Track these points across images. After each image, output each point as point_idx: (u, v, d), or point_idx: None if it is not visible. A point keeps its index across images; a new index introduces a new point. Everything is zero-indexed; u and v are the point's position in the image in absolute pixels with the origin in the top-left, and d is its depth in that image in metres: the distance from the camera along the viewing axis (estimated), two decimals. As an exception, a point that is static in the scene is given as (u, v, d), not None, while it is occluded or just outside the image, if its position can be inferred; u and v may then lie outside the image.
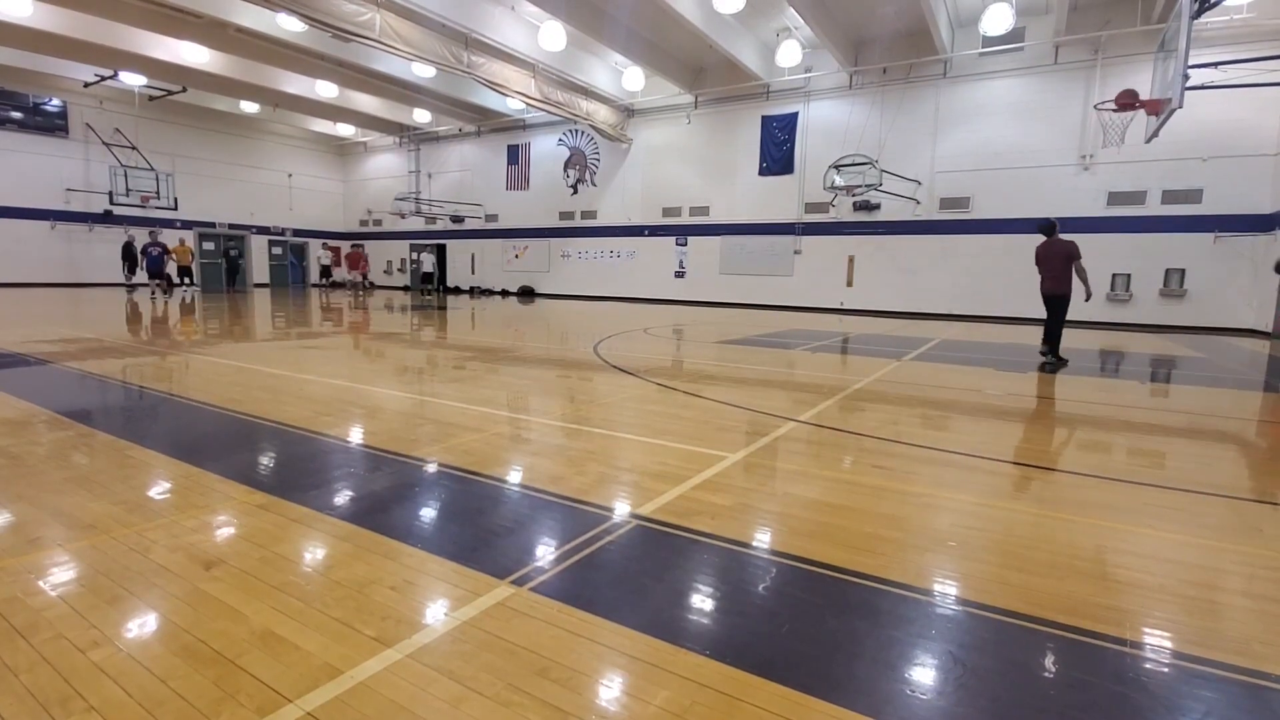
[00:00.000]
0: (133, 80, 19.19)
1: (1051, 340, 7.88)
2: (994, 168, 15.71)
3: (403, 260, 28.00)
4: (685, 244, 20.42)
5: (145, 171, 21.69)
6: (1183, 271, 14.12)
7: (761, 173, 18.80)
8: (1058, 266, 7.77)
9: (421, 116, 23.13)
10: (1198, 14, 7.27)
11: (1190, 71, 7.12)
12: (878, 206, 17.12)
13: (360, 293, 23.33)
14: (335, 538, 2.39)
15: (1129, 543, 2.54)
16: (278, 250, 27.31)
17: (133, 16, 14.13)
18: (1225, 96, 12.05)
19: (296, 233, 27.77)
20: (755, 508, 2.82)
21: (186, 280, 19.28)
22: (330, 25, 12.35)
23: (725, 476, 3.22)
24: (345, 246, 28.68)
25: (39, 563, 2.15)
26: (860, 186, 15.73)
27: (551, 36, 14.96)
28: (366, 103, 21.74)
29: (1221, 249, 13.74)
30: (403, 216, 25.63)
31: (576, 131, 22.12)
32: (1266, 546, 2.54)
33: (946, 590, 2.12)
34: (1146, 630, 1.90)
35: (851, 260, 17.82)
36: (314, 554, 2.27)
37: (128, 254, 18.86)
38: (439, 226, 25.83)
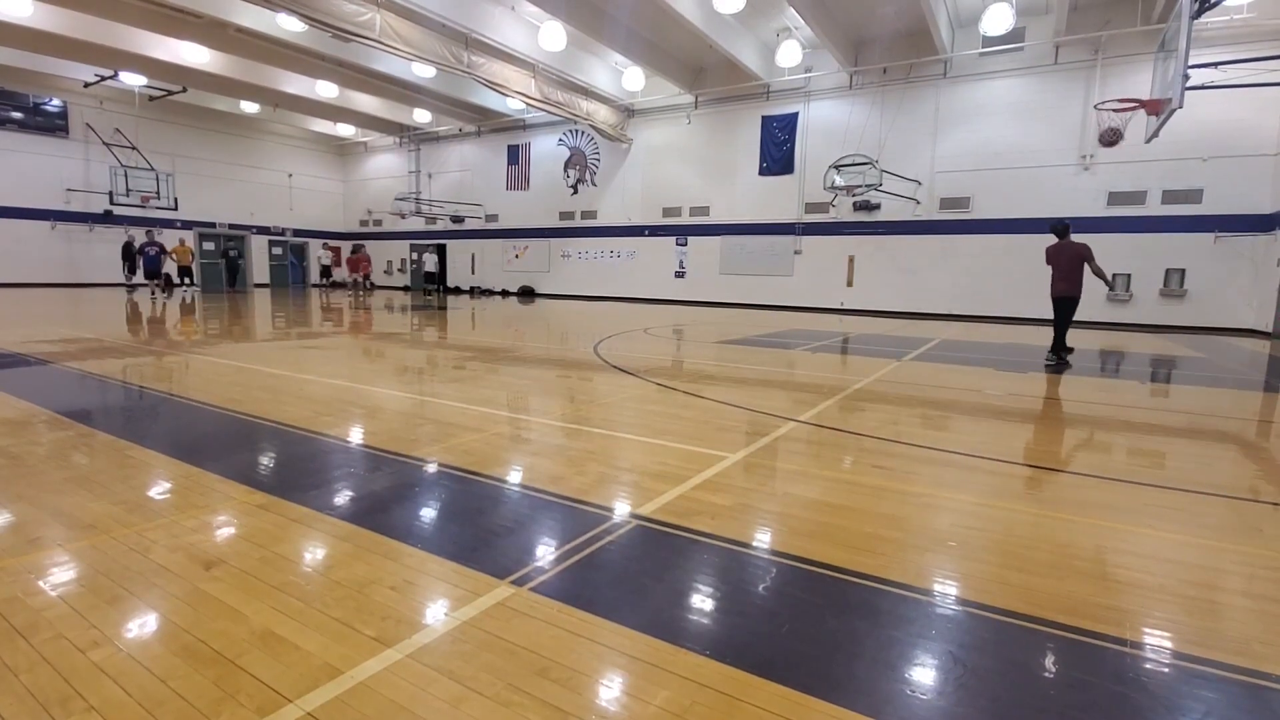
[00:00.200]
0: (133, 80, 19.19)
1: (1057, 337, 7.92)
2: (994, 168, 15.71)
3: (403, 260, 28.00)
4: (685, 244, 20.42)
5: (145, 171, 21.69)
6: (1183, 271, 14.12)
7: (761, 173, 18.80)
8: (1067, 268, 7.79)
9: (421, 116, 23.13)
10: (1198, 14, 7.26)
11: (1190, 71, 7.12)
12: (878, 206, 17.12)
13: (360, 293, 23.33)
14: (335, 538, 2.39)
15: (1129, 543, 2.54)
16: (278, 250, 27.31)
17: (133, 16, 14.13)
18: (1225, 96, 12.04)
19: (296, 233, 27.77)
20: (755, 508, 2.82)
21: (186, 280, 19.27)
22: (330, 25, 12.35)
23: (725, 476, 3.21)
24: (346, 247, 28.70)
25: (39, 563, 2.15)
26: (860, 186, 15.73)
27: (551, 36, 14.96)
28: (366, 103, 21.74)
29: (1222, 249, 13.74)
30: (403, 216, 25.63)
31: (576, 131, 22.12)
32: (1266, 546, 2.54)
33: (946, 590, 2.12)
34: (1146, 630, 1.90)
35: (851, 260, 17.82)
36: (314, 554, 2.27)
37: (128, 254, 18.86)
38: (439, 226, 25.83)
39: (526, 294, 23.78)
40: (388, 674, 1.59)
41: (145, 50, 16.20)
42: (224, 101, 22.24)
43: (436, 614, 1.89)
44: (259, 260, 26.58)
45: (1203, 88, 8.10)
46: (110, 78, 19.01)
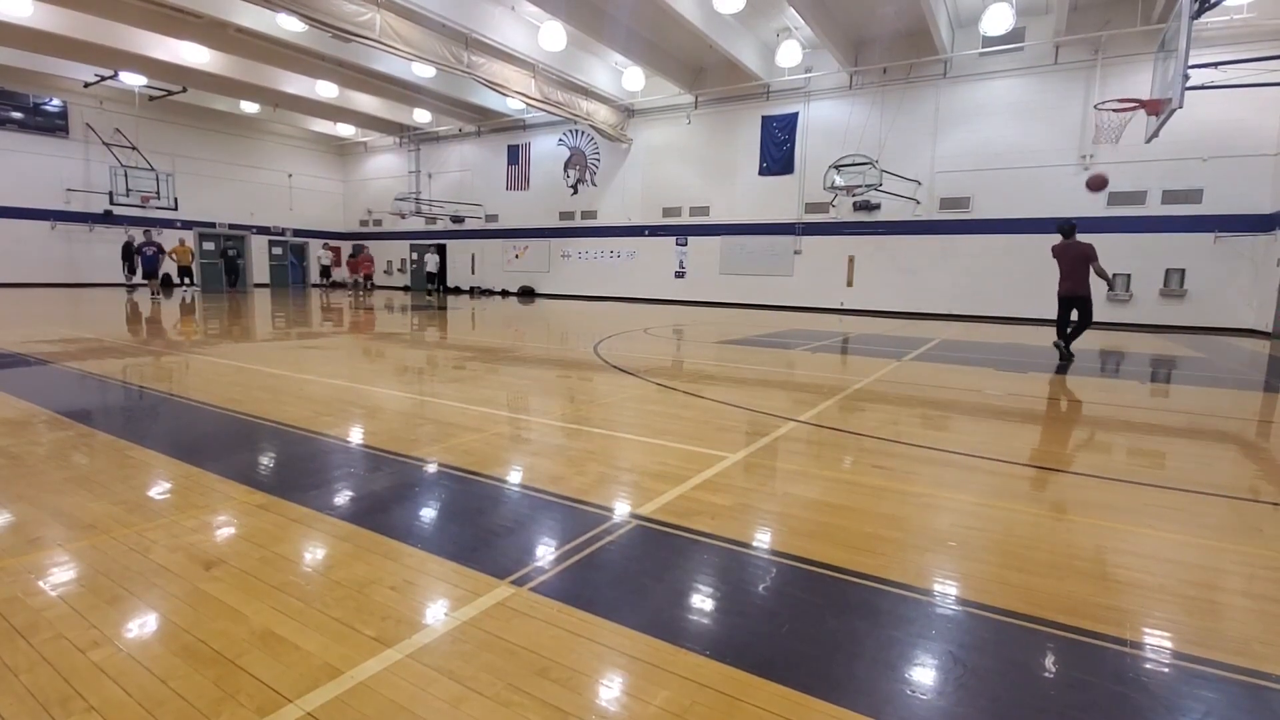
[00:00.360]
0: (133, 80, 19.19)
1: (1069, 334, 8.03)
2: (994, 168, 15.71)
3: (403, 260, 28.01)
4: (685, 244, 20.42)
5: (145, 171, 21.69)
6: (1183, 271, 14.12)
7: (761, 173, 18.80)
8: (1072, 268, 7.85)
9: (421, 116, 23.13)
10: (1198, 14, 7.26)
11: (1190, 71, 7.12)
12: (878, 206, 17.13)
13: (361, 293, 23.33)
14: (335, 538, 2.39)
15: (1129, 543, 2.54)
16: (278, 250, 27.32)
17: (133, 16, 14.14)
18: (1225, 96, 12.05)
19: (296, 233, 27.78)
20: (755, 508, 2.82)
21: (186, 280, 19.27)
22: (330, 25, 12.35)
23: (725, 476, 3.21)
24: (346, 247, 28.72)
25: (39, 563, 2.15)
26: (860, 186, 15.73)
27: (551, 36, 14.97)
28: (366, 103, 21.74)
29: (1222, 249, 13.74)
30: (403, 216, 25.64)
31: (576, 131, 22.12)
32: (1266, 546, 2.54)
33: (947, 590, 2.12)
34: (1146, 630, 1.90)
35: (851, 260, 17.82)
36: (314, 554, 2.27)
37: (127, 254, 18.86)
38: (439, 226, 25.83)
39: (526, 294, 23.79)
40: (388, 674, 1.59)
41: (145, 50, 16.20)
42: (224, 101, 22.24)
43: (436, 614, 1.89)
44: (259, 260, 26.58)
45: (1203, 88, 8.10)
46: (110, 78, 19.01)
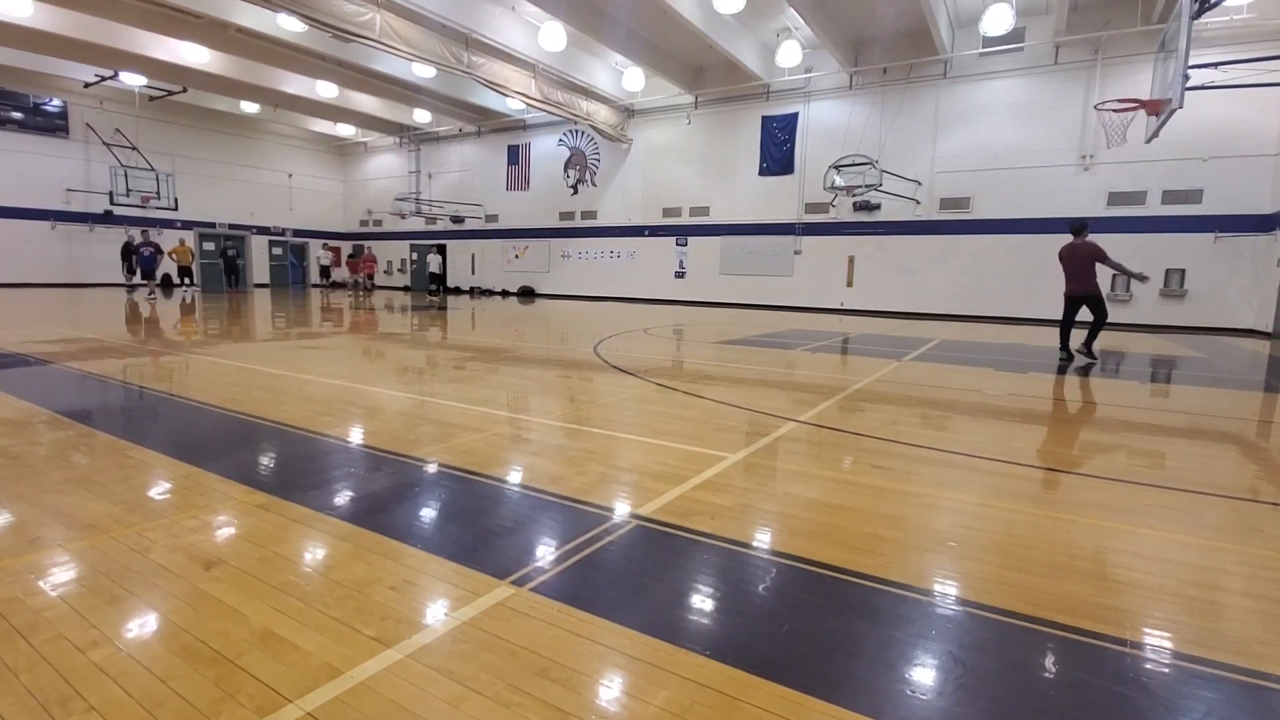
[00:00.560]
0: (133, 80, 19.19)
1: (1090, 336, 8.06)
2: (994, 168, 15.71)
3: (403, 260, 28.01)
4: (685, 244, 20.42)
5: (145, 171, 21.69)
6: (1183, 272, 14.12)
7: (761, 173, 18.80)
8: (1079, 268, 7.85)
9: (421, 116, 23.13)
10: (1198, 14, 7.26)
11: (1190, 72, 7.12)
12: (878, 207, 17.12)
13: (361, 293, 23.33)
14: (335, 538, 2.39)
15: (1129, 543, 2.54)
16: (278, 250, 27.32)
17: (133, 16, 14.14)
18: (1225, 96, 12.04)
19: (296, 233, 27.77)
20: (755, 508, 2.82)
21: (187, 280, 19.28)
22: (330, 25, 12.35)
23: (725, 477, 3.21)
24: (346, 247, 28.72)
25: (39, 563, 2.15)
26: (860, 187, 15.73)
27: (551, 36, 14.96)
28: (366, 103, 21.74)
29: (1222, 249, 13.74)
30: (403, 217, 25.64)
31: (576, 132, 22.12)
32: (1266, 546, 2.54)
33: (946, 590, 2.12)
34: (1146, 630, 1.90)
35: (851, 260, 17.82)
36: (314, 554, 2.27)
37: (127, 254, 18.86)
38: (439, 227, 25.83)
39: (526, 294, 23.78)
40: (388, 674, 1.59)
41: (145, 50, 16.20)
42: (224, 101, 22.24)
43: (436, 614, 1.89)
44: (259, 260, 26.58)
45: (1203, 88, 8.10)
46: (110, 78, 19.01)
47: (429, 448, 3.61)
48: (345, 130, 26.15)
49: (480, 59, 15.32)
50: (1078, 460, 3.81)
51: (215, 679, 1.55)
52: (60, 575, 2.07)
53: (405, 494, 2.88)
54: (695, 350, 8.67)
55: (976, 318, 16.06)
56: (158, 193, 21.75)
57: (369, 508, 2.70)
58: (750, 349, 8.81)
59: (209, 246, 24.68)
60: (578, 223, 22.69)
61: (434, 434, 3.92)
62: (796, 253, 18.55)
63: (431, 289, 21.90)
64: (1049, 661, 1.74)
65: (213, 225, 24.75)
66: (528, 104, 17.38)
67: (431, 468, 3.26)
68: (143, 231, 18.37)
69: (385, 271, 28.31)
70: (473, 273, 25.73)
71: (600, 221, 22.16)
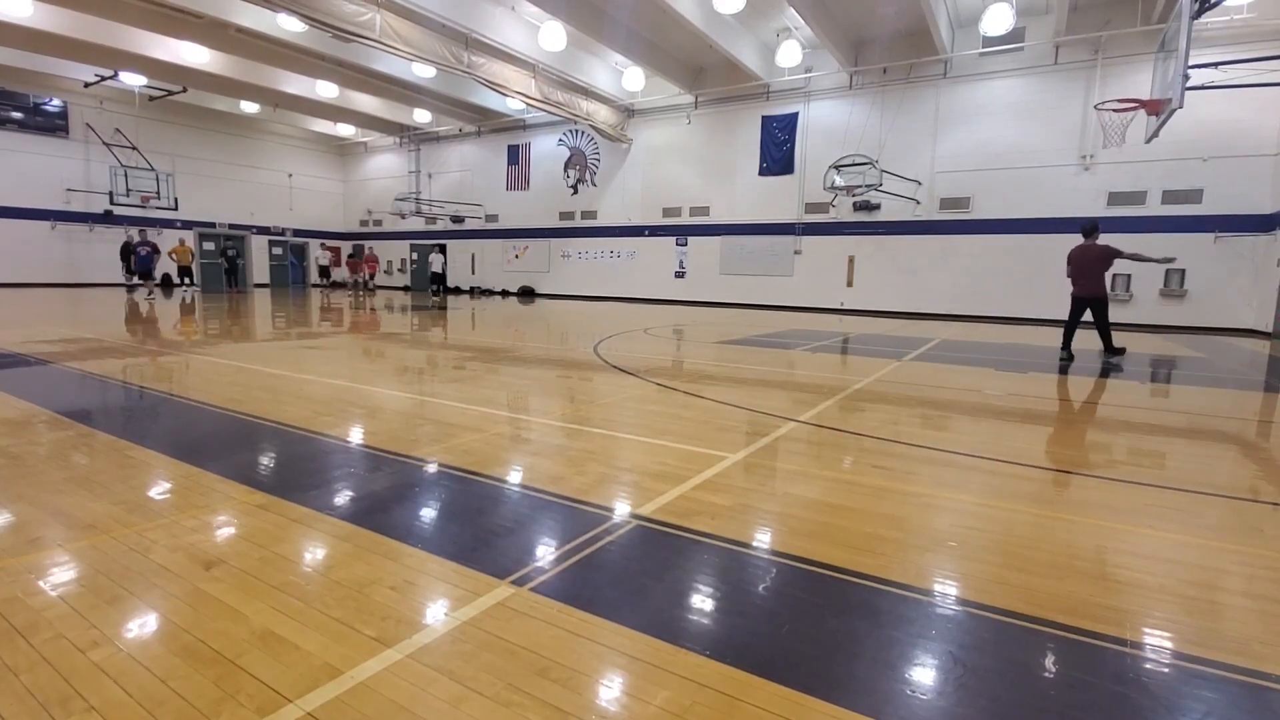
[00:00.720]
0: (133, 80, 19.19)
1: (1104, 339, 8.08)
2: (994, 168, 15.71)
3: (403, 260, 28.01)
4: (685, 244, 20.42)
5: (145, 171, 21.69)
6: (1183, 272, 14.12)
7: (761, 173, 18.80)
8: (1089, 269, 7.84)
9: (421, 116, 23.13)
10: (1198, 14, 7.26)
11: (1190, 72, 7.12)
12: (878, 206, 17.12)
13: (361, 293, 23.32)
14: (335, 538, 2.39)
15: (1129, 543, 2.54)
16: (278, 250, 27.32)
17: (133, 16, 14.13)
18: (1225, 96, 12.04)
19: (296, 233, 27.77)
20: (755, 508, 2.82)
21: (187, 280, 19.27)
22: (330, 25, 12.35)
23: (725, 477, 3.21)
24: (345, 247, 28.72)
25: (39, 563, 2.15)
26: (860, 187, 15.73)
27: (551, 36, 14.96)
28: (366, 103, 21.74)
29: (1221, 249, 13.74)
30: (403, 217, 25.64)
31: (576, 131, 22.12)
32: (1266, 546, 2.54)
33: (947, 590, 2.12)
34: (1147, 630, 1.90)
35: (851, 260, 17.82)
36: (314, 554, 2.27)
37: (126, 254, 18.86)
38: (439, 227, 25.83)
39: (526, 294, 23.78)
40: (388, 674, 1.59)
41: (145, 50, 16.20)
42: (224, 101, 22.24)
43: (436, 614, 1.89)
44: (259, 260, 26.58)
45: (1203, 88, 8.10)
46: (110, 78, 19.01)
47: (429, 448, 3.61)
48: (345, 130, 26.15)
49: (480, 59, 15.32)
50: (1078, 460, 3.81)
51: (215, 679, 1.55)
52: (60, 575, 2.07)
53: (405, 494, 2.88)
54: (695, 350, 8.67)
55: (976, 318, 16.06)
56: (158, 193, 21.74)
57: (369, 508, 2.70)
58: (750, 349, 8.81)
59: (209, 246, 24.67)
60: (578, 223, 22.69)
61: (434, 434, 3.92)
62: (796, 253, 18.55)
63: (434, 289, 21.88)
64: (1049, 661, 1.74)
65: (213, 225, 24.75)
66: (528, 104, 17.38)
67: (431, 468, 3.26)
68: (140, 231, 18.36)
69: (385, 271, 28.30)
70: (473, 273, 25.73)
71: (600, 221, 22.16)
